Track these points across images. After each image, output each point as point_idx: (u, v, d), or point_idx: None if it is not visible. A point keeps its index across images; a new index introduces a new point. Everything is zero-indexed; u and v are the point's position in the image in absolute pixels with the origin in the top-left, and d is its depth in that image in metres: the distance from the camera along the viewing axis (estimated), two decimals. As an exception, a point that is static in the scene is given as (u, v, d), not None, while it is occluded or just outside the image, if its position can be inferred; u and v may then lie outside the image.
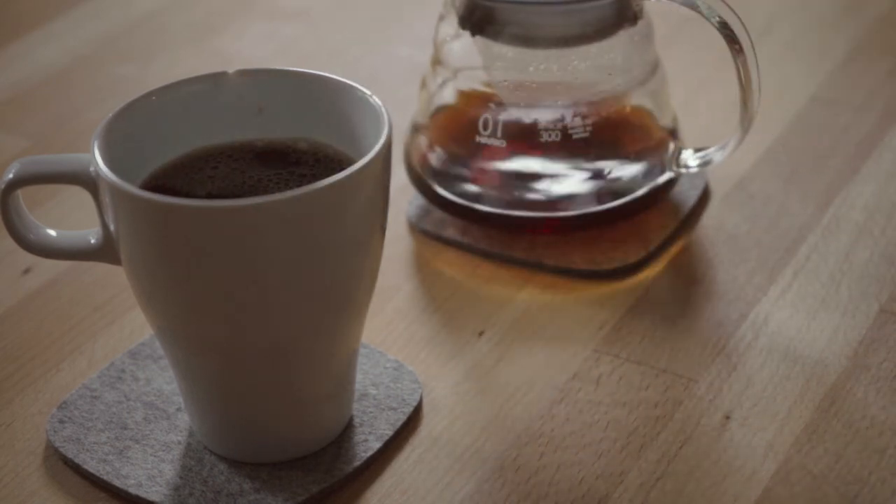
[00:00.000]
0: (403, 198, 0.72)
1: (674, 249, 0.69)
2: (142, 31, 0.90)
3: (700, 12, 0.65)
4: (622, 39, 0.67)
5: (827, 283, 0.66)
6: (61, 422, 0.59)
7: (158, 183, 0.55)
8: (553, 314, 0.65)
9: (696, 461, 0.57)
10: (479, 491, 0.56)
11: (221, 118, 0.57)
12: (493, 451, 0.58)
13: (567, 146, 0.67)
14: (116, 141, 0.54)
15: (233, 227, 0.50)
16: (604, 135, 0.67)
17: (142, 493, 0.56)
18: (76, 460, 0.57)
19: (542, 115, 0.67)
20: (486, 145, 0.68)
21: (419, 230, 0.70)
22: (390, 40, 0.88)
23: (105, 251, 0.55)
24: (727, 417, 0.59)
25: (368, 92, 0.56)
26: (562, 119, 0.66)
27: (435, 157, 0.69)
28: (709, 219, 0.71)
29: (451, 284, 0.67)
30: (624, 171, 0.68)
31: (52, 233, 0.56)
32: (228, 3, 0.94)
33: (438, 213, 0.70)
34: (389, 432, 0.58)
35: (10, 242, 0.57)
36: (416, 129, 0.71)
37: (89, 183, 0.54)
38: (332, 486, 0.56)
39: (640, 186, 0.68)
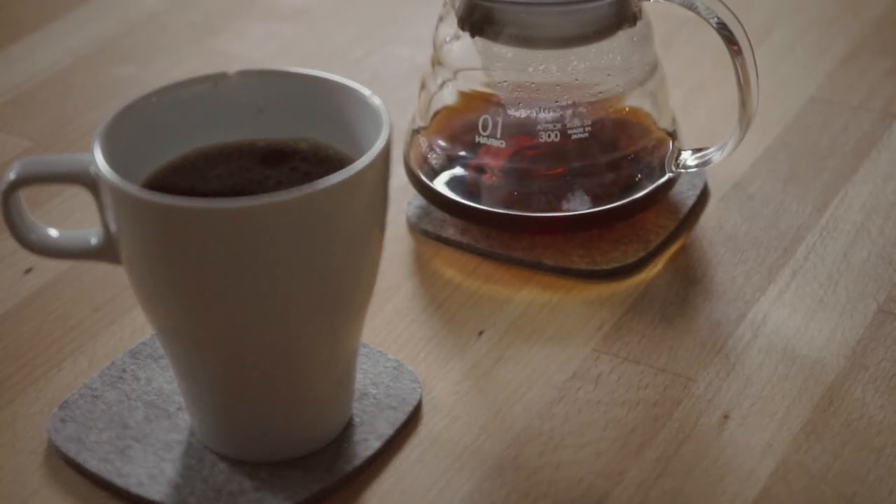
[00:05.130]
0: (403, 198, 0.72)
1: (673, 249, 0.69)
2: (142, 32, 0.90)
3: (698, 13, 0.65)
4: (621, 40, 0.67)
5: (825, 283, 0.66)
6: (62, 421, 0.59)
7: (159, 183, 0.55)
8: (552, 314, 0.65)
9: (695, 460, 0.57)
10: (479, 490, 0.56)
11: (222, 118, 0.57)
12: (492, 450, 0.58)
13: (566, 146, 0.67)
14: (117, 141, 0.54)
15: (233, 227, 0.50)
16: (603, 135, 0.68)
17: (143, 491, 0.56)
18: (77, 459, 0.57)
19: (542, 116, 0.67)
20: (485, 145, 0.68)
21: (419, 230, 0.71)
22: (390, 40, 0.88)
23: (106, 251, 0.55)
24: (726, 416, 0.59)
25: (368, 92, 0.56)
26: (561, 119, 0.67)
27: (435, 158, 0.69)
28: (707, 219, 0.71)
29: (450, 284, 0.67)
30: (623, 171, 0.68)
31: (54, 233, 0.56)
32: (228, 4, 0.94)
33: (438, 213, 0.71)
34: (389, 432, 0.58)
35: (11, 242, 0.58)
36: (415, 129, 0.71)
37: (90, 183, 0.54)
38: (333, 485, 0.56)
39: (639, 187, 0.68)
